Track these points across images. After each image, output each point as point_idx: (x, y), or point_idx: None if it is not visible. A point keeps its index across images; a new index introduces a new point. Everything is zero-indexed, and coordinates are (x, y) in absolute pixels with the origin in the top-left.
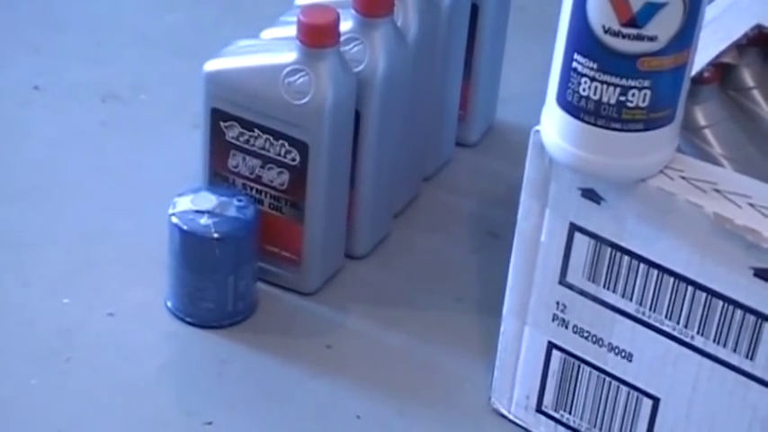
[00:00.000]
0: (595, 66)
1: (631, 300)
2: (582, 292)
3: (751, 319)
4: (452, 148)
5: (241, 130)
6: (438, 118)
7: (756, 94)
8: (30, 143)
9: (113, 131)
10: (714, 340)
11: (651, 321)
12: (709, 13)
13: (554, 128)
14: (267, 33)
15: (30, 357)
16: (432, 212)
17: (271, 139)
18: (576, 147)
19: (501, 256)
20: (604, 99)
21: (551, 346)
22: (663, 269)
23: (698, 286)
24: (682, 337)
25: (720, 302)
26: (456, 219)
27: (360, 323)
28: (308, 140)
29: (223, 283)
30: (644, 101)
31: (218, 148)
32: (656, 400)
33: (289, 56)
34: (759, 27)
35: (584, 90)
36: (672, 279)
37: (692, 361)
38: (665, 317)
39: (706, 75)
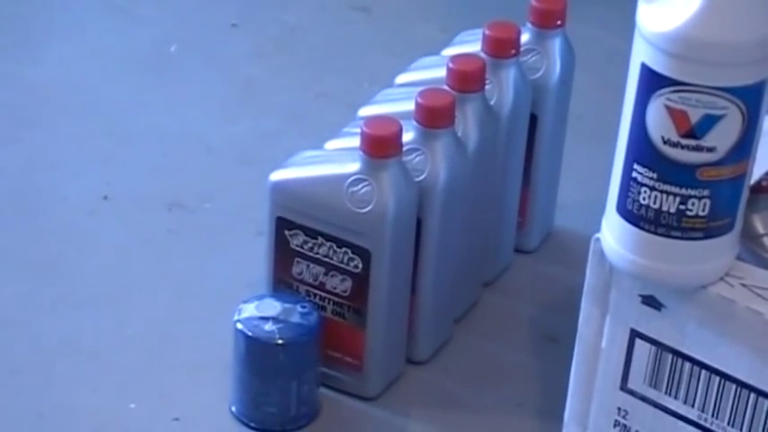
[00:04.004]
0: (655, 176)
1: (693, 406)
2: (643, 399)
3: None
4: (512, 255)
5: (305, 238)
6: (497, 225)
7: None
8: (97, 251)
9: (179, 239)
10: None
11: (713, 428)
12: (766, 123)
13: (614, 236)
14: (331, 144)
15: None
16: (492, 318)
17: (334, 246)
18: (637, 254)
19: (561, 362)
20: (664, 208)
21: None
22: (724, 375)
23: (760, 393)
24: None
25: None
26: (516, 324)
27: (421, 428)
28: (371, 248)
29: (286, 388)
30: (704, 210)
31: (283, 255)
32: None
33: (352, 166)
34: None
35: (644, 199)
36: (734, 385)
37: None
38: (728, 423)
39: (764, 183)
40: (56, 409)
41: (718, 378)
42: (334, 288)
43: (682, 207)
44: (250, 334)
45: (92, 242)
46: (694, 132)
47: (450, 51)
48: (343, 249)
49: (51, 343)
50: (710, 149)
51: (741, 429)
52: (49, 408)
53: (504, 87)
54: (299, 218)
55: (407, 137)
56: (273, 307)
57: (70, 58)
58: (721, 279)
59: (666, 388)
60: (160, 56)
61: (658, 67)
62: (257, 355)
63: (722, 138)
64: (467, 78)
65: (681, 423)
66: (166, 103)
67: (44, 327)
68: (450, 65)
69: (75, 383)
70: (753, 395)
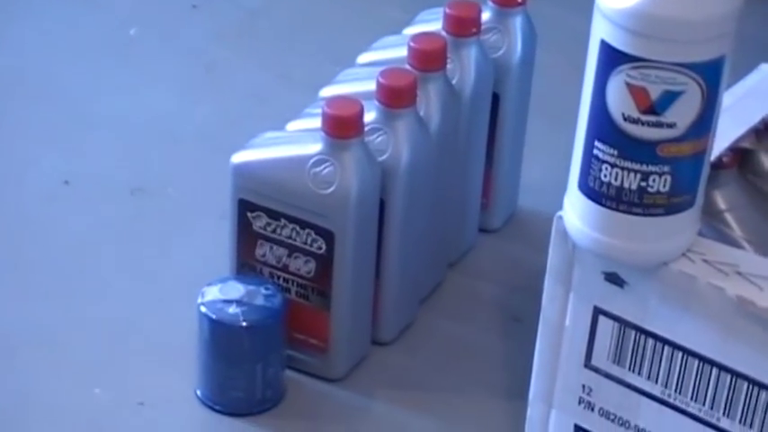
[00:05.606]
0: (616, 152)
1: (657, 382)
2: (607, 375)
3: None
4: (476, 235)
5: (268, 220)
6: (461, 205)
7: None
8: (59, 237)
9: (142, 223)
10: (740, 422)
11: (677, 403)
12: (726, 99)
13: (576, 213)
14: (293, 125)
15: None
16: (456, 298)
17: (297, 228)
18: (599, 232)
19: (525, 341)
20: (625, 185)
21: (578, 429)
22: (687, 351)
23: (722, 368)
24: (707, 418)
25: (745, 384)
26: (480, 304)
27: (386, 409)
28: (334, 229)
29: (251, 371)
30: (664, 186)
31: (246, 238)
32: None
33: (314, 147)
34: None
35: (605, 176)
36: (696, 361)
37: None
38: (691, 399)
39: (725, 159)
40: (15, 397)
41: (680, 354)
42: (298, 270)
43: (643, 184)
44: (214, 317)
45: (53, 228)
46: (654, 108)
47: (411, 30)
48: (307, 231)
49: (13, 331)
50: (671, 126)
51: (704, 404)
52: (8, 395)
53: (465, 66)
54: (262, 200)
55: (369, 117)
56: (237, 289)
57: (28, 44)
58: (683, 255)
59: (630, 364)
60: (120, 39)
61: (618, 43)
62: (222, 338)
63: (682, 114)
64: (428, 57)
65: (645, 399)
66: (127, 86)
67: (5, 315)
68: (412, 44)
69: (37, 370)
70: (715, 370)
